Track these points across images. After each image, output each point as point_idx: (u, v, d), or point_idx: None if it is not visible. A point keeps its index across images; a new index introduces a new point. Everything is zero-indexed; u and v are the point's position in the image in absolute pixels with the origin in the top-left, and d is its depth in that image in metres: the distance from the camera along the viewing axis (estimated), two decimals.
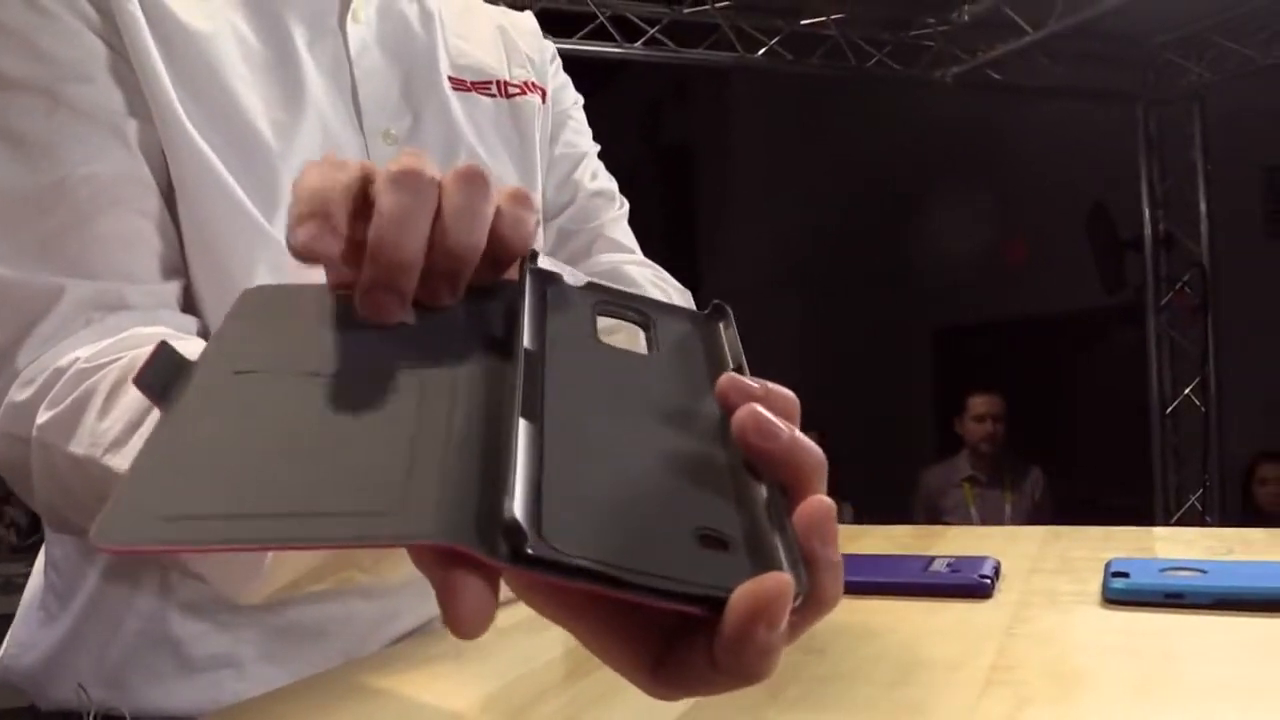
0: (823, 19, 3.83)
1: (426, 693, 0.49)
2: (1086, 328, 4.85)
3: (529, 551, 0.23)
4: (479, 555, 0.23)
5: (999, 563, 0.65)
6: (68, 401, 0.47)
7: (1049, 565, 0.70)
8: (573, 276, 0.35)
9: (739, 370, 0.30)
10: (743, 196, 6.27)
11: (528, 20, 0.82)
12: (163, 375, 0.28)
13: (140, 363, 0.27)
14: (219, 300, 0.58)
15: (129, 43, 0.57)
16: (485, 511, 0.24)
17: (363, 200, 0.31)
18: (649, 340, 0.32)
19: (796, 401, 0.28)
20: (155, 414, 0.31)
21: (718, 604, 0.23)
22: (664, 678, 0.26)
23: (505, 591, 0.76)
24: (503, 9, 0.81)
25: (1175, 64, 4.11)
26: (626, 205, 0.83)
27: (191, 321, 0.57)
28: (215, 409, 0.27)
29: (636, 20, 3.70)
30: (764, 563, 0.24)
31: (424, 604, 0.65)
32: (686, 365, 0.31)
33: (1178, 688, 0.44)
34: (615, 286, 0.35)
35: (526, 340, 0.29)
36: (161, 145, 0.57)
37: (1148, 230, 4.31)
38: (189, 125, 0.57)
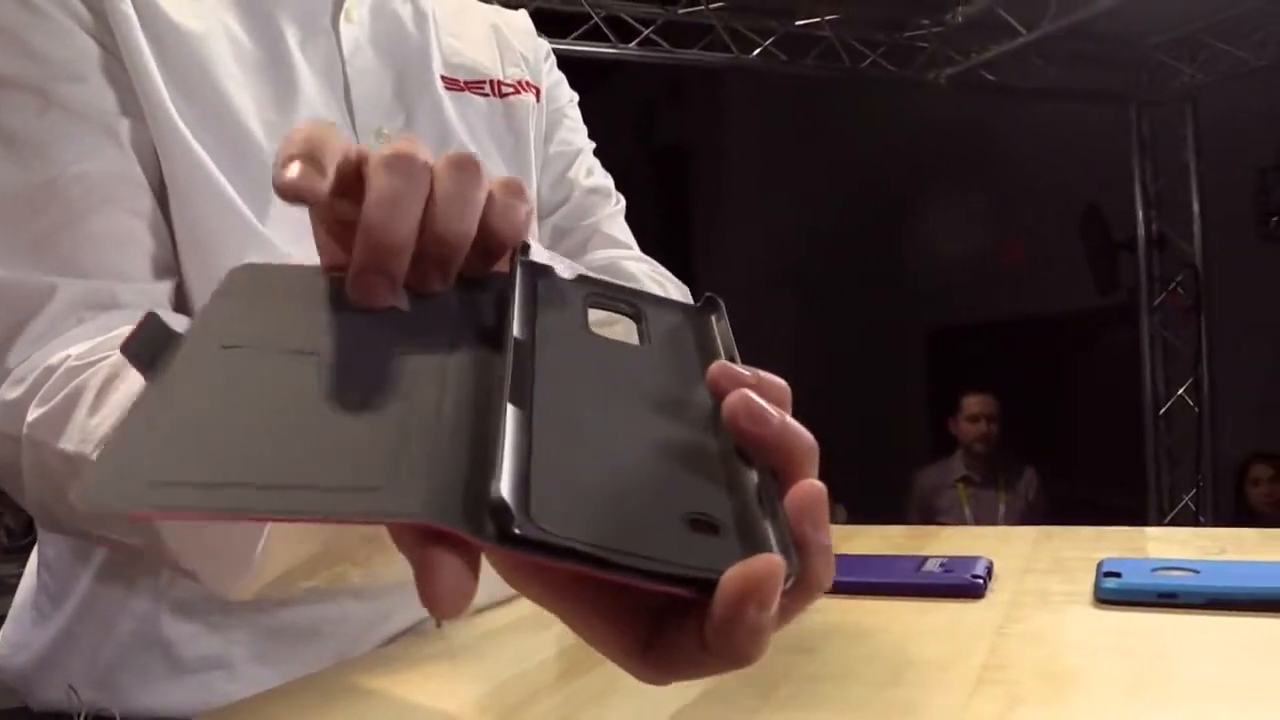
0: (817, 20, 3.84)
1: (419, 693, 0.49)
2: (1080, 328, 4.86)
3: (515, 531, 0.23)
4: (465, 535, 0.23)
5: (991, 563, 0.65)
6: (58, 399, 0.47)
7: (1041, 565, 0.70)
8: (569, 269, 0.35)
9: (730, 360, 0.30)
10: (737, 197, 6.27)
11: (521, 19, 0.82)
12: (150, 345, 0.28)
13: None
14: None
15: (121, 42, 0.57)
16: (472, 494, 0.24)
17: (355, 180, 0.31)
18: (641, 332, 0.32)
19: (788, 389, 0.28)
20: None
21: (707, 585, 0.23)
22: (653, 661, 0.26)
23: (502, 592, 0.76)
24: (496, 8, 0.81)
25: (1168, 65, 4.12)
26: (623, 201, 0.83)
27: (183, 321, 0.57)
28: (202, 381, 0.27)
29: (631, 21, 3.70)
30: (754, 546, 0.24)
31: (416, 604, 0.64)
32: (678, 356, 0.31)
33: (1170, 687, 0.44)
34: (606, 279, 0.35)
35: (516, 330, 0.29)
36: (154, 144, 0.57)
37: (1141, 231, 4.32)
38: (181, 125, 0.57)
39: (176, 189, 0.58)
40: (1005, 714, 0.41)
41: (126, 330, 0.27)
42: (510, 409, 0.26)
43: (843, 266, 5.55)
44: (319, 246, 0.35)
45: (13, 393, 0.51)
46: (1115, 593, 0.57)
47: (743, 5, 3.77)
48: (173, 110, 0.57)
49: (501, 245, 0.32)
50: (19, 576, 0.69)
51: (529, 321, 0.30)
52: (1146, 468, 4.31)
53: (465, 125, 0.71)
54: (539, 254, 0.42)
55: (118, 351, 0.48)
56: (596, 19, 3.61)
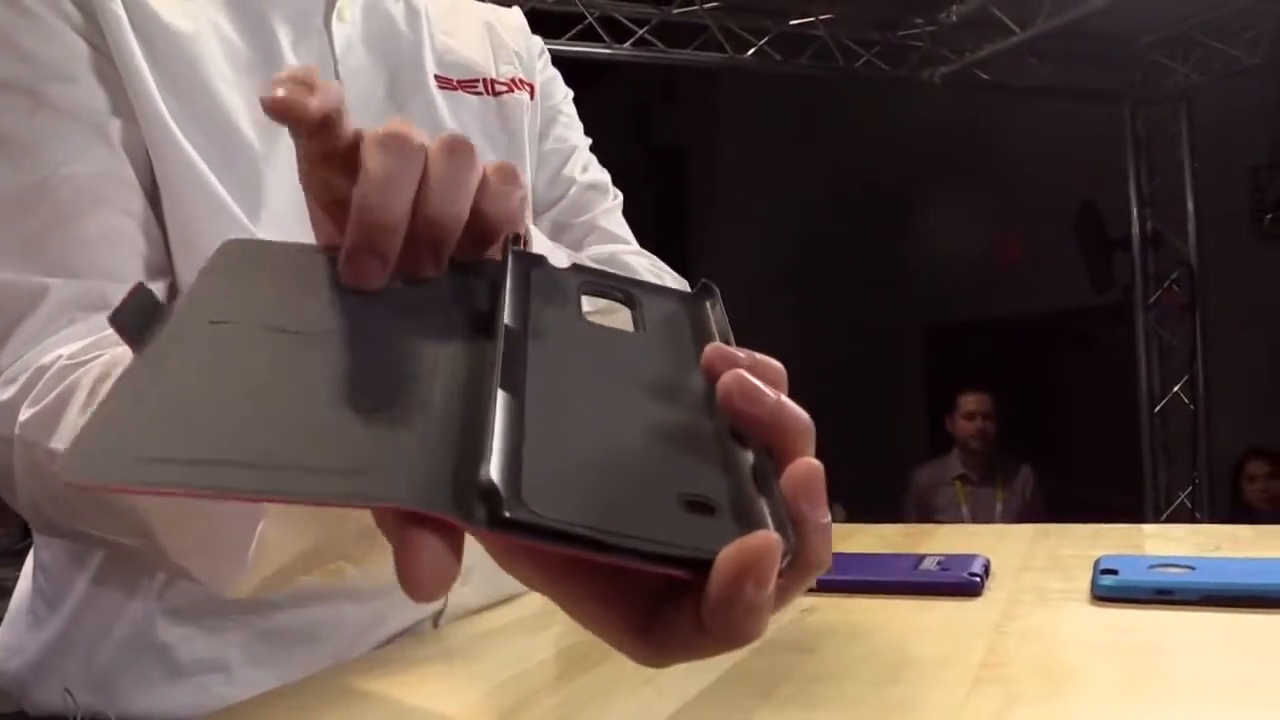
0: (811, 19, 3.84)
1: (416, 695, 0.49)
2: (1076, 326, 4.87)
3: (506, 515, 0.22)
4: (454, 520, 0.23)
5: (989, 561, 0.65)
6: (50, 398, 0.47)
7: (1038, 563, 0.70)
8: (568, 257, 0.35)
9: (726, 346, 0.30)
10: (732, 197, 6.27)
11: (515, 16, 0.82)
12: (138, 316, 0.27)
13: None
14: None
15: (112, 42, 0.57)
16: (462, 478, 0.24)
17: (351, 158, 0.31)
18: (635, 319, 0.32)
19: (783, 370, 0.28)
20: None
21: (703, 565, 0.23)
22: (651, 643, 0.26)
23: (499, 592, 0.76)
24: (490, 5, 0.81)
25: (1162, 64, 4.13)
26: (620, 196, 0.82)
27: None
28: (190, 356, 0.27)
29: (625, 21, 3.70)
30: (750, 525, 0.24)
31: (413, 606, 0.64)
32: (673, 342, 0.31)
33: (1167, 684, 0.44)
34: (600, 267, 0.35)
35: (507, 317, 0.29)
36: (145, 145, 0.57)
37: (1136, 229, 4.33)
38: (172, 125, 0.57)
39: (168, 189, 0.58)
40: (1003, 711, 0.41)
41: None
42: (501, 394, 0.25)
43: (839, 266, 5.55)
44: (314, 224, 0.34)
45: (4, 393, 0.51)
46: (1112, 590, 0.57)
47: (737, 5, 3.77)
48: (164, 110, 0.57)
49: (494, 230, 0.32)
50: (15, 580, 0.69)
51: (521, 309, 0.30)
52: (1142, 465, 4.32)
53: (459, 125, 0.71)
54: (539, 241, 0.42)
55: (109, 351, 0.47)
56: (590, 19, 3.61)
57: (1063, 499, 3.83)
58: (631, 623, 0.26)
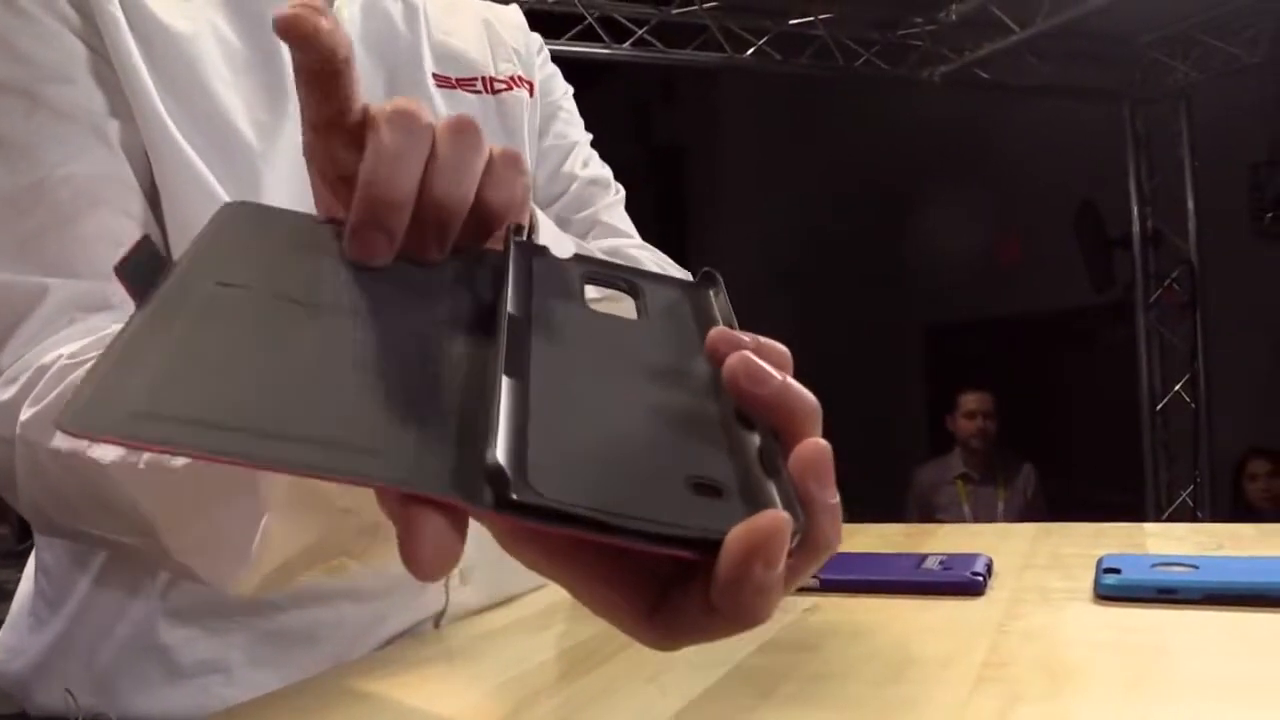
0: (810, 19, 3.84)
1: (417, 695, 0.49)
2: (1077, 325, 4.87)
3: (513, 497, 0.22)
4: (460, 503, 0.23)
5: (991, 560, 0.65)
6: (51, 397, 0.47)
7: (1041, 562, 0.70)
8: (574, 244, 0.35)
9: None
10: (732, 197, 6.27)
11: (513, 13, 0.82)
12: (142, 269, 0.27)
13: None
14: None
15: (109, 44, 0.57)
16: (467, 461, 0.24)
17: (356, 133, 0.30)
18: (639, 308, 0.32)
19: (788, 353, 0.28)
20: None
21: (712, 546, 0.23)
22: (659, 626, 0.25)
23: (500, 592, 0.76)
24: (487, 3, 0.81)
25: (1162, 62, 4.13)
26: (622, 191, 0.82)
27: None
28: (196, 315, 0.26)
29: (624, 21, 3.70)
30: (758, 506, 0.23)
31: (413, 607, 0.64)
32: (676, 329, 0.31)
33: (1169, 683, 0.44)
34: (603, 257, 0.35)
35: (510, 305, 0.28)
36: (143, 146, 0.57)
37: (1136, 228, 4.33)
38: (171, 126, 0.57)
39: (167, 190, 0.58)
40: (1006, 711, 0.41)
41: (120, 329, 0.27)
42: (505, 379, 0.25)
43: (839, 265, 5.55)
44: (315, 198, 0.34)
45: (5, 394, 0.50)
46: (1115, 589, 0.57)
47: (736, 5, 3.77)
48: (162, 111, 0.57)
49: (498, 216, 0.32)
50: (17, 581, 0.69)
51: (524, 297, 0.30)
52: (1144, 464, 4.32)
53: None
54: (546, 226, 0.42)
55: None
56: (590, 19, 3.61)
57: (1064, 498, 3.83)
58: (640, 606, 0.26)
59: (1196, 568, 0.58)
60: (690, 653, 0.26)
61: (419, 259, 0.31)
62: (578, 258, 0.34)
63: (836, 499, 0.25)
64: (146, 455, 0.41)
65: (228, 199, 0.58)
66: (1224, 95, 4.00)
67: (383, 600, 0.63)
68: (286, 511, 0.39)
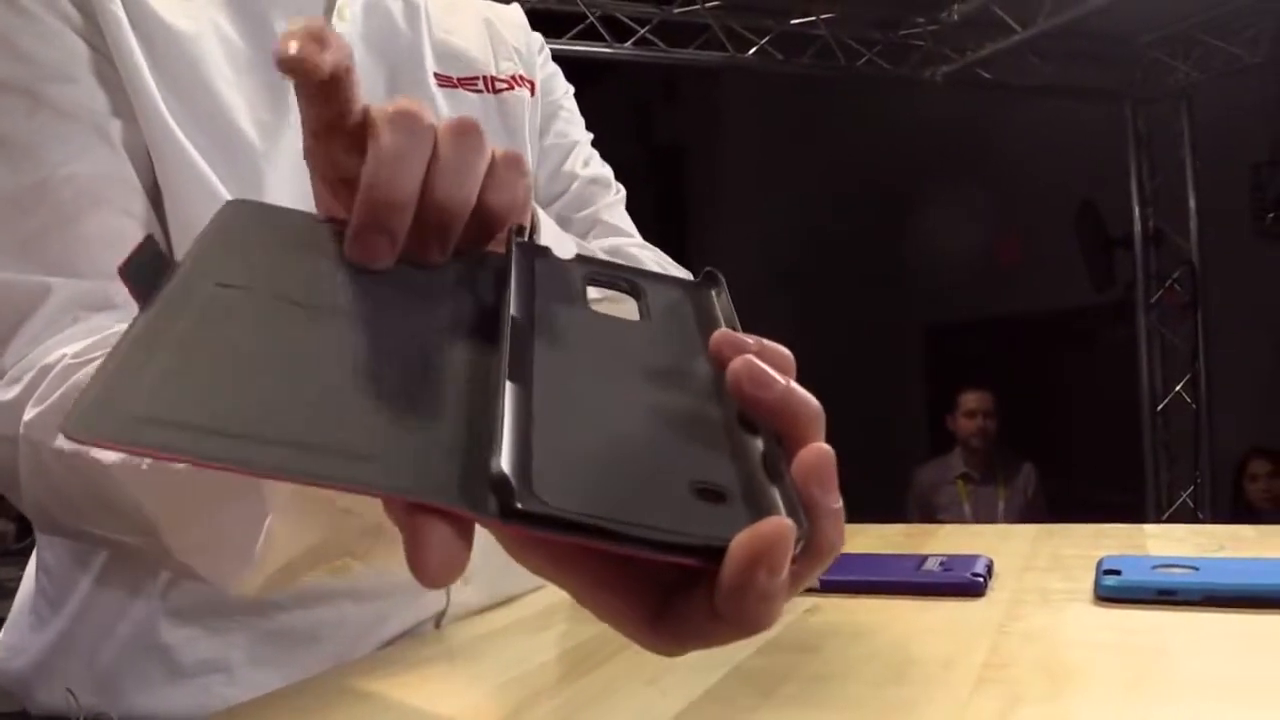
0: (812, 19, 3.84)
1: (418, 695, 0.49)
2: (1078, 325, 4.87)
3: (518, 506, 0.22)
4: (465, 512, 0.23)
5: (991, 561, 0.65)
6: (54, 397, 0.47)
7: (1041, 563, 0.70)
8: (576, 244, 0.34)
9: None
10: (733, 196, 6.27)
11: (514, 12, 0.82)
12: (145, 270, 0.27)
13: None
14: None
15: (111, 43, 0.57)
16: (472, 470, 0.24)
17: (357, 135, 0.30)
18: (641, 308, 0.32)
19: (791, 356, 0.28)
20: None
21: (716, 553, 0.23)
22: (664, 631, 0.25)
23: (502, 592, 0.75)
24: (488, 2, 0.81)
25: (1163, 62, 4.13)
26: (623, 191, 0.82)
27: None
28: (198, 318, 0.26)
29: (626, 20, 3.70)
30: (762, 512, 0.23)
31: (414, 607, 0.64)
32: (679, 330, 0.31)
33: (1170, 684, 0.44)
34: (604, 257, 0.35)
35: (513, 308, 0.28)
36: (146, 145, 0.57)
37: (1137, 228, 4.33)
38: (173, 125, 0.57)
39: (169, 190, 0.58)
40: (1006, 712, 0.41)
41: (123, 329, 0.27)
42: (509, 385, 0.25)
43: (840, 265, 5.55)
44: (316, 201, 0.34)
45: (9, 393, 0.50)
46: (1115, 590, 0.57)
47: (738, 4, 3.77)
48: (164, 111, 0.57)
49: (499, 219, 0.32)
50: (18, 580, 0.69)
51: (526, 300, 0.29)
52: (1144, 464, 4.32)
53: None
54: (547, 226, 0.42)
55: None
56: (592, 18, 3.61)
57: (1064, 498, 3.83)
58: (644, 612, 0.26)
59: (1197, 569, 0.58)
60: (691, 654, 0.26)
61: (420, 261, 0.31)
62: (579, 258, 0.34)
63: (840, 504, 0.25)
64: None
65: (230, 198, 0.58)
66: (1225, 95, 4.00)
67: (384, 600, 0.63)
68: (290, 512, 0.39)
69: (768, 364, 0.26)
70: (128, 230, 0.56)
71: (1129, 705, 0.41)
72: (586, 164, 0.80)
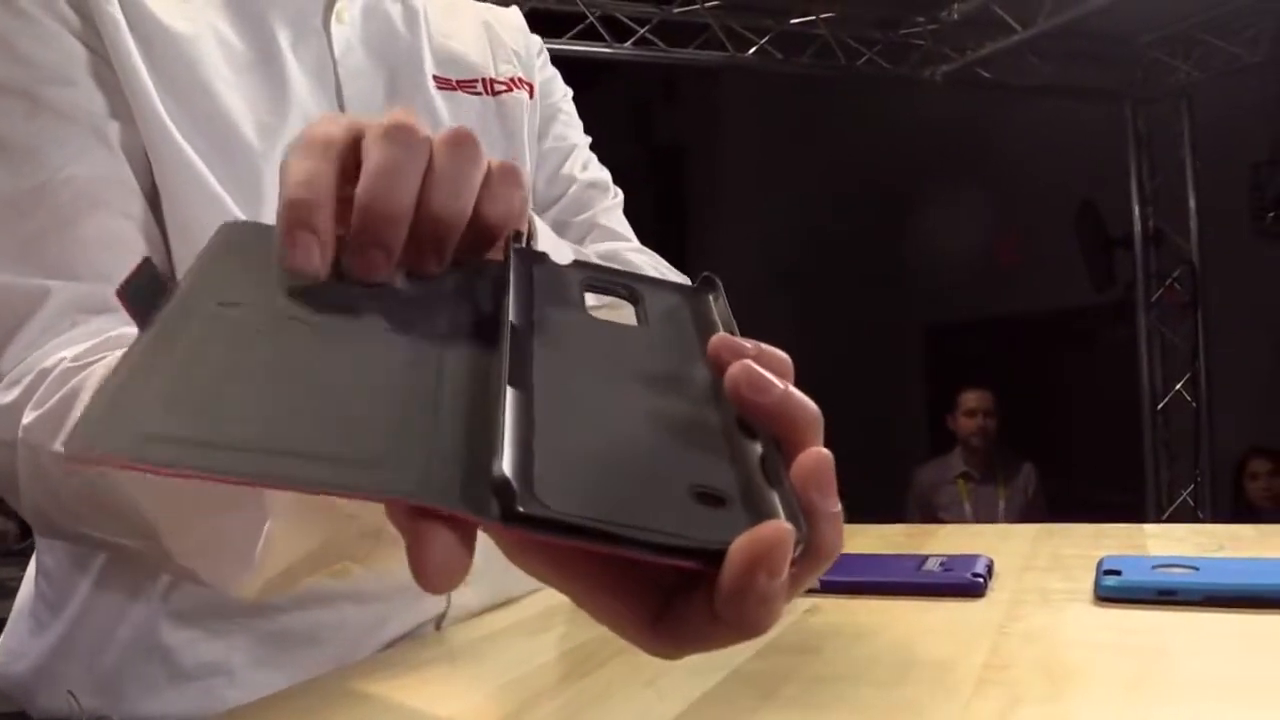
0: (812, 18, 3.84)
1: (418, 697, 0.49)
2: (1078, 325, 4.87)
3: (520, 510, 0.22)
4: (467, 516, 0.23)
5: (991, 561, 0.65)
6: (54, 400, 0.47)
7: (1041, 563, 0.70)
8: (572, 250, 0.35)
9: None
10: (733, 196, 6.27)
11: (513, 15, 0.82)
12: (144, 292, 0.27)
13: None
14: None
15: (109, 45, 0.57)
16: (473, 474, 0.24)
17: (353, 159, 0.30)
18: (639, 314, 0.32)
19: (789, 360, 0.28)
20: None
21: (716, 557, 0.23)
22: (664, 635, 0.26)
23: (503, 593, 0.76)
24: (487, 5, 0.81)
25: (1163, 62, 4.13)
26: (621, 195, 0.82)
27: None
28: (198, 336, 0.27)
29: (626, 20, 3.70)
30: (761, 516, 0.24)
31: (415, 609, 0.64)
32: (677, 335, 0.31)
33: (1170, 685, 0.44)
34: (602, 263, 0.35)
35: (512, 314, 0.29)
36: (144, 147, 0.57)
37: (1137, 227, 4.33)
38: (171, 127, 0.57)
39: (168, 192, 0.58)
40: (1006, 713, 0.41)
41: (122, 332, 0.27)
42: (509, 390, 0.25)
43: (840, 265, 5.55)
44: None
45: (7, 396, 0.51)
46: (1115, 590, 0.57)
47: (738, 4, 3.77)
48: (163, 113, 0.57)
49: (494, 231, 0.32)
50: (19, 580, 0.69)
51: (525, 306, 0.30)
52: (1145, 463, 4.32)
53: (458, 125, 0.71)
54: (544, 233, 0.42)
55: (112, 353, 0.47)
56: (591, 18, 3.61)
57: (1065, 498, 3.83)
58: (644, 615, 0.26)
59: (1197, 569, 0.58)
60: (690, 656, 0.26)
61: (418, 272, 0.31)
62: (577, 264, 0.34)
63: (838, 507, 0.25)
64: None
65: (229, 200, 0.58)
66: (1225, 95, 4.00)
67: (384, 602, 0.63)
68: (290, 516, 0.39)
69: (766, 368, 0.27)
70: (126, 232, 0.56)
71: (1129, 706, 0.41)
72: (585, 167, 0.80)
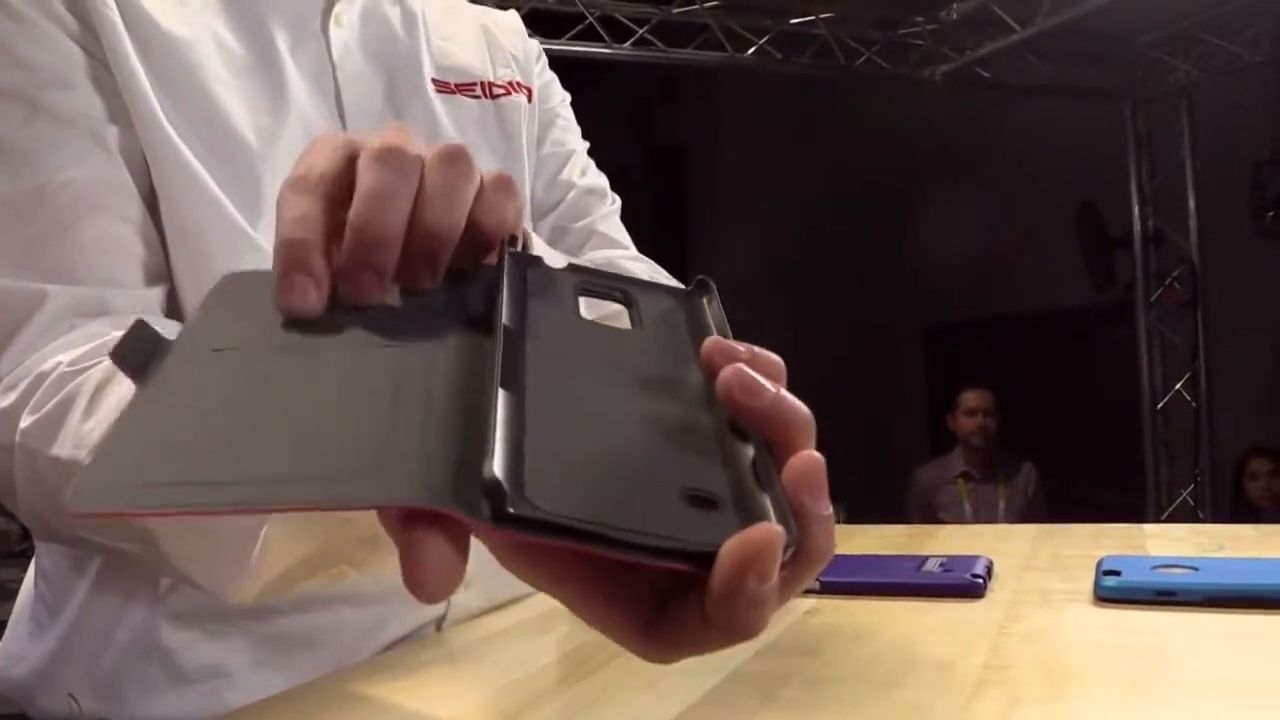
0: (811, 18, 3.84)
1: (418, 699, 0.49)
2: (1078, 325, 4.87)
3: (510, 510, 0.22)
4: (459, 516, 0.23)
5: (991, 562, 0.65)
6: (50, 405, 0.47)
7: (1041, 564, 0.70)
8: (563, 259, 0.35)
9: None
10: (733, 196, 6.27)
11: (511, 19, 0.82)
12: (138, 351, 0.28)
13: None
14: None
15: (108, 49, 0.57)
16: (464, 476, 0.24)
17: (347, 185, 0.31)
18: (632, 317, 0.32)
19: (782, 363, 0.28)
20: None
21: (707, 559, 0.23)
22: (656, 639, 0.26)
23: (502, 595, 0.76)
24: (485, 8, 0.81)
25: (1163, 62, 4.13)
26: (618, 201, 0.82)
27: (174, 326, 0.57)
28: (191, 383, 0.27)
29: (625, 20, 3.70)
30: (752, 518, 0.24)
31: (414, 611, 0.64)
32: (670, 339, 0.31)
33: (1169, 685, 0.44)
34: (596, 267, 0.35)
35: (505, 318, 0.29)
36: (142, 151, 0.57)
37: (1137, 227, 4.33)
38: (170, 130, 0.57)
39: (166, 195, 0.58)
40: (1006, 713, 0.41)
41: (119, 336, 0.27)
42: (501, 393, 0.25)
43: (839, 265, 5.55)
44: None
45: (5, 400, 0.51)
46: (1115, 591, 0.57)
47: (737, 4, 3.77)
48: (161, 116, 0.57)
49: (488, 241, 0.32)
50: (18, 582, 0.69)
51: (519, 310, 0.30)
52: (1145, 463, 4.32)
53: (457, 128, 0.71)
54: (540, 248, 0.42)
55: (110, 357, 0.47)
56: (590, 19, 3.61)
57: (1065, 497, 3.83)
58: (636, 619, 0.26)
59: (1196, 569, 0.58)
60: (691, 658, 0.26)
61: (411, 288, 0.31)
62: (571, 267, 0.34)
63: (829, 510, 0.25)
64: None
65: (227, 203, 0.58)
66: (1225, 94, 4.00)
67: (384, 604, 0.63)
68: (286, 522, 0.39)
69: (758, 371, 0.27)
70: (124, 236, 0.56)
71: (1128, 706, 0.41)
72: (584, 173, 0.80)
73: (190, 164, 0.57)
